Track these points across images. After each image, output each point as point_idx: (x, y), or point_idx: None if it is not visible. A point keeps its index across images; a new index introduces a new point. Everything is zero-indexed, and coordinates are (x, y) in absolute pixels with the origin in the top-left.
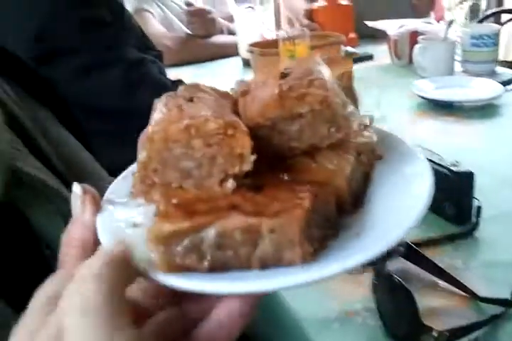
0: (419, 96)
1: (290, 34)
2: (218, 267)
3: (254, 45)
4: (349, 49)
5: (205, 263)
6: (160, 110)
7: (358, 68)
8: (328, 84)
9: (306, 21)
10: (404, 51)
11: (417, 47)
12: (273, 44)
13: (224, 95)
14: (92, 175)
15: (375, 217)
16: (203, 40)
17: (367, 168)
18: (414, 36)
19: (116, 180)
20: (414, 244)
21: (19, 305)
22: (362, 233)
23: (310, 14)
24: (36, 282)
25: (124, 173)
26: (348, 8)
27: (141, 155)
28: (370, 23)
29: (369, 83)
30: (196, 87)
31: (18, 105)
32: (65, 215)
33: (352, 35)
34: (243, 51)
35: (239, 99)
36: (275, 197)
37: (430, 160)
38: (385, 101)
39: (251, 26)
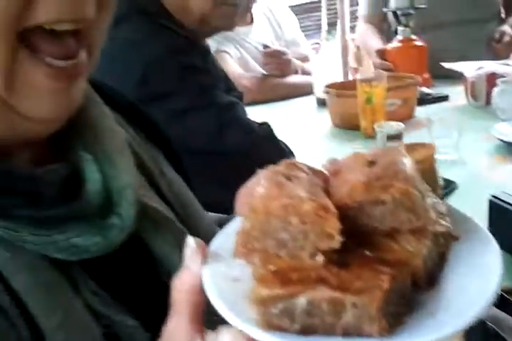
0: (499, 139)
1: (367, 76)
2: (307, 330)
3: (330, 86)
4: (425, 90)
5: (296, 326)
6: (262, 184)
7: (433, 109)
8: (410, 176)
9: (379, 61)
10: (482, 93)
11: (496, 89)
12: (349, 85)
13: (317, 173)
14: (197, 213)
15: (449, 296)
16: (279, 80)
17: (443, 248)
18: (492, 78)
19: (219, 234)
20: (506, 291)
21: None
22: (436, 312)
23: (383, 54)
24: (156, 306)
25: (227, 229)
26: (423, 49)
27: (245, 223)
28: (446, 65)
29: (446, 124)
30: (294, 164)
31: (141, 147)
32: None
33: (426, 75)
34: (318, 91)
35: (330, 178)
36: (359, 275)
37: (507, 203)
38: (462, 143)
39: (326, 67)
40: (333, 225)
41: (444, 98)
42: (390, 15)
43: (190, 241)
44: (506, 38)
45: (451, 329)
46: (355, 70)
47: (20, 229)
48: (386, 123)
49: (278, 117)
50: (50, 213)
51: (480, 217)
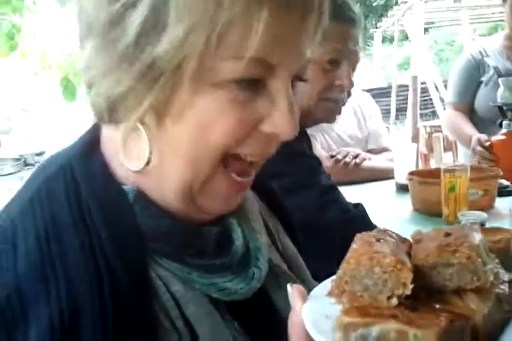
0: None
1: (451, 166)
2: None
3: (413, 173)
4: (504, 182)
5: None
6: (356, 243)
7: None
8: (476, 245)
9: (479, 148)
10: None
11: None
12: (432, 173)
13: (403, 240)
14: (304, 272)
15: None
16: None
17: (508, 314)
18: None
19: (319, 285)
20: None
21: None
22: None
23: (485, 143)
24: None
25: (324, 281)
26: None
27: (339, 271)
28: None
29: None
30: (385, 231)
31: (267, 216)
32: None
33: None
34: (399, 176)
35: (413, 245)
36: (423, 316)
37: None
38: None
39: (408, 156)
40: (408, 276)
41: None
42: (480, 106)
43: (289, 288)
44: None
45: None
46: (425, 156)
47: (192, 272)
48: (469, 212)
49: (359, 199)
50: (210, 263)
51: None
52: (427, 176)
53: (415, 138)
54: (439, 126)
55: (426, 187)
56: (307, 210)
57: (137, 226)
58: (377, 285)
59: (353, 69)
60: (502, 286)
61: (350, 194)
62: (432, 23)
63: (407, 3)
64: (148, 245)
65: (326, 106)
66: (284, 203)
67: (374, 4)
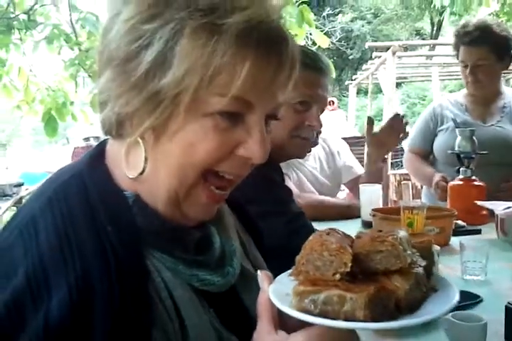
0: None
1: (410, 205)
2: (323, 314)
3: (377, 210)
4: (459, 222)
5: (317, 311)
6: (312, 236)
7: (466, 239)
8: (399, 237)
9: (439, 191)
10: (510, 229)
11: None
12: (393, 211)
13: (347, 236)
14: None
15: (420, 314)
16: (330, 202)
17: (424, 294)
18: None
19: (282, 273)
20: None
21: None
22: (409, 319)
23: (444, 185)
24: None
25: (287, 271)
26: (482, 189)
27: (298, 255)
28: (479, 203)
29: (477, 252)
30: (333, 229)
31: (240, 229)
32: None
33: (484, 212)
34: (365, 214)
35: (355, 239)
36: (358, 286)
37: None
38: (490, 268)
39: (373, 196)
40: (348, 257)
41: (477, 231)
42: (438, 152)
43: (258, 272)
44: None
45: (407, 323)
46: (395, 202)
47: (178, 264)
48: None
49: None
50: (193, 258)
51: (499, 323)
52: (389, 213)
53: (386, 186)
54: (408, 174)
55: (387, 223)
56: (276, 236)
57: (135, 223)
58: (326, 265)
59: (321, 112)
60: (419, 269)
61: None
62: (405, 78)
63: (381, 58)
64: (144, 239)
65: (298, 143)
66: (257, 224)
67: (350, 57)
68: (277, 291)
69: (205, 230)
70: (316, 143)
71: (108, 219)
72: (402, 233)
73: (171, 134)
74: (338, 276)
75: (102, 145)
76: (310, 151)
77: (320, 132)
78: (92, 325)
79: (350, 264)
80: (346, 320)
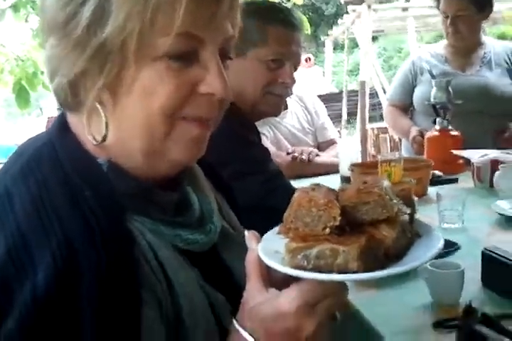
0: (499, 213)
1: (387, 158)
2: (316, 269)
3: (355, 165)
4: (436, 172)
5: (310, 266)
6: (297, 192)
7: (443, 189)
8: (385, 187)
9: (415, 145)
10: (486, 177)
11: (497, 173)
12: (371, 165)
13: (331, 190)
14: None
15: (407, 261)
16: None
17: (409, 240)
18: (495, 163)
19: (269, 231)
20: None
21: None
22: (397, 267)
23: (421, 140)
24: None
25: (274, 228)
26: (458, 139)
27: (286, 213)
28: (455, 152)
29: (454, 201)
30: (318, 184)
31: (213, 189)
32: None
33: (460, 161)
34: (343, 170)
35: (339, 192)
36: (349, 238)
37: (495, 253)
38: (467, 216)
39: (351, 151)
40: (337, 211)
41: (453, 180)
42: (417, 104)
43: (246, 232)
44: (508, 133)
45: (398, 270)
46: (374, 157)
47: (159, 225)
48: None
49: None
50: (173, 219)
51: (476, 270)
52: (367, 167)
53: (364, 140)
54: (386, 128)
55: (365, 177)
56: (253, 195)
57: (112, 188)
58: (314, 221)
59: (295, 69)
60: (404, 216)
61: (300, 186)
62: (382, 31)
63: (356, 12)
64: (123, 203)
65: (271, 100)
66: (228, 184)
67: (325, 13)
68: (266, 249)
69: (181, 190)
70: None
71: (85, 185)
72: (386, 183)
73: (126, 88)
74: (327, 230)
75: (63, 117)
76: (287, 108)
77: (292, 89)
78: (79, 291)
79: (339, 218)
80: (339, 272)
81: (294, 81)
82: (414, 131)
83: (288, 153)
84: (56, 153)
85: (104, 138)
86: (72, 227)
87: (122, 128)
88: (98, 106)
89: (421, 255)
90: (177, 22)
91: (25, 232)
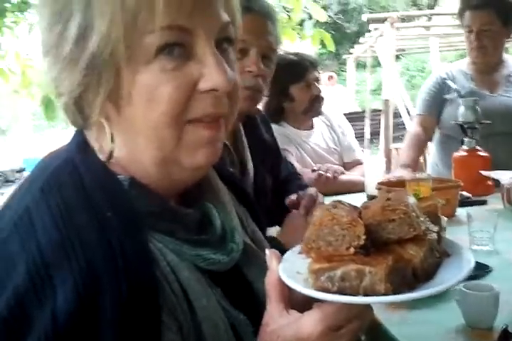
0: None
1: (416, 177)
2: (341, 291)
3: (382, 183)
4: (464, 193)
5: (335, 288)
6: (317, 210)
7: (473, 210)
8: (410, 204)
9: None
10: None
11: None
12: (398, 184)
13: (354, 207)
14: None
15: (437, 283)
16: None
17: (438, 259)
18: None
19: (289, 251)
20: None
21: None
22: (427, 289)
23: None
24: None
25: (293, 248)
26: (487, 159)
27: (307, 232)
28: (485, 173)
29: (485, 222)
30: (340, 202)
31: (235, 203)
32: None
33: (489, 182)
34: (370, 188)
35: (362, 210)
36: (375, 259)
37: None
38: (497, 237)
39: (377, 170)
40: (361, 230)
41: (482, 202)
42: (443, 125)
43: (267, 251)
44: None
45: (429, 292)
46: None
47: (182, 245)
48: None
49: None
50: (196, 238)
51: (510, 292)
52: (394, 186)
53: (388, 160)
54: None
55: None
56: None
57: (134, 206)
58: (338, 240)
59: (265, 56)
60: (432, 235)
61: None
62: (403, 50)
63: (379, 30)
64: (144, 222)
65: (241, 94)
66: (249, 194)
67: (347, 31)
68: (287, 270)
69: (203, 208)
70: (261, 91)
71: (107, 205)
72: (412, 199)
73: (127, 97)
74: (352, 250)
75: (81, 133)
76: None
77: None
78: (100, 316)
79: (363, 237)
80: (366, 294)
81: (260, 69)
82: (398, 173)
83: (313, 170)
84: (78, 171)
85: (111, 153)
86: (94, 251)
87: (131, 141)
88: (103, 120)
89: (452, 276)
90: (158, 17)
91: (46, 257)
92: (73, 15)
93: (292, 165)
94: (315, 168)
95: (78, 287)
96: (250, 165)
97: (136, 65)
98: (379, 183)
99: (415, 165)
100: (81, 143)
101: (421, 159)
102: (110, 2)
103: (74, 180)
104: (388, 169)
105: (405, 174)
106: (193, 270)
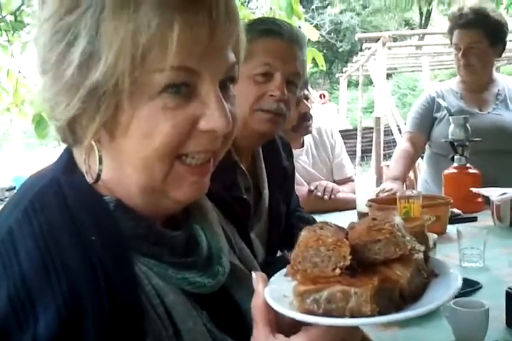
0: None
1: (406, 194)
2: (327, 313)
3: (373, 200)
4: (455, 210)
5: (320, 310)
6: (304, 231)
7: (463, 227)
8: (396, 224)
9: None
10: (506, 215)
11: None
12: (389, 201)
13: (340, 228)
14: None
15: (424, 303)
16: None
17: (426, 280)
18: None
19: (276, 274)
20: None
21: None
22: (414, 309)
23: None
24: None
25: (279, 271)
26: (477, 176)
27: (293, 254)
28: (475, 190)
29: (475, 239)
30: (326, 223)
31: (222, 221)
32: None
33: (479, 200)
34: (360, 206)
35: (349, 231)
36: (361, 280)
37: None
38: (488, 255)
39: (368, 187)
40: (347, 250)
41: (473, 219)
42: (433, 142)
43: (253, 274)
44: None
45: (415, 313)
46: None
47: (167, 268)
48: None
49: None
50: (182, 261)
51: (500, 309)
52: (385, 203)
53: (379, 177)
54: None
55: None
56: None
57: (119, 229)
58: (324, 261)
59: (289, 81)
60: (419, 255)
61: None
62: (395, 68)
63: (371, 49)
64: (130, 245)
65: (261, 117)
66: (237, 211)
67: (340, 50)
68: (274, 293)
69: (190, 230)
70: (284, 116)
71: (91, 228)
72: (398, 219)
73: (123, 128)
74: (338, 271)
75: (70, 151)
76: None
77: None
78: (82, 340)
79: (349, 257)
80: (352, 316)
81: (283, 94)
82: (387, 186)
83: (310, 191)
84: (62, 191)
85: (98, 175)
86: (77, 274)
87: (118, 167)
88: (94, 144)
89: (439, 296)
90: (170, 57)
91: (28, 281)
92: (79, 38)
93: (297, 196)
94: (312, 188)
95: (60, 311)
96: (266, 192)
97: (139, 100)
98: (369, 200)
99: (404, 177)
100: (68, 163)
101: (412, 176)
102: (121, 33)
103: (58, 200)
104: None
105: (395, 186)
106: (178, 293)
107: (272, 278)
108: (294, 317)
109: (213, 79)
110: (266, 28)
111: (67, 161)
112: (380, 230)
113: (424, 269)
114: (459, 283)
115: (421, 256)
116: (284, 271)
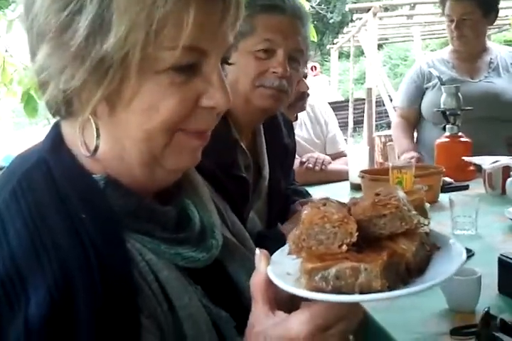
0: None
1: (399, 164)
2: (336, 290)
3: (365, 171)
4: (447, 179)
5: (329, 287)
6: (306, 209)
7: (455, 195)
8: (401, 199)
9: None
10: (498, 183)
11: (509, 179)
12: (381, 172)
13: (342, 204)
14: (248, 240)
15: (430, 277)
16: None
17: (429, 252)
18: (506, 170)
19: (277, 251)
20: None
21: None
22: (420, 283)
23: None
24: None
25: (280, 248)
26: (468, 145)
27: (296, 231)
28: (467, 159)
29: (467, 207)
30: (327, 198)
31: (214, 196)
32: (248, 269)
33: (471, 168)
34: (353, 177)
35: (351, 207)
36: (369, 255)
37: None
38: (480, 223)
39: (361, 158)
40: (353, 227)
41: (464, 187)
42: (424, 111)
43: (257, 251)
44: None
45: (426, 286)
46: (381, 164)
47: (160, 244)
48: None
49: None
50: (174, 236)
51: (492, 276)
52: (377, 174)
53: (371, 148)
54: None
55: (376, 183)
56: None
57: (110, 206)
58: (329, 238)
59: (291, 58)
60: (424, 228)
61: (311, 193)
62: (386, 39)
63: (362, 20)
64: (121, 222)
65: (262, 93)
66: (228, 186)
67: (330, 21)
68: (277, 272)
69: (181, 205)
70: (287, 92)
71: (81, 206)
72: (402, 194)
73: (126, 102)
74: (344, 248)
75: (58, 127)
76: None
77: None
78: (75, 319)
79: (356, 233)
80: (362, 292)
81: (286, 70)
82: (409, 155)
83: (302, 163)
84: (50, 170)
85: (96, 149)
86: (68, 253)
87: (118, 141)
88: (91, 118)
89: (445, 269)
90: (184, 35)
91: (18, 260)
92: (85, 7)
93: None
94: (303, 160)
95: (51, 290)
96: (266, 170)
97: (145, 74)
98: (361, 171)
99: (414, 146)
100: (55, 140)
101: None
102: (136, 4)
103: (46, 179)
104: (372, 157)
105: (414, 154)
106: (172, 269)
107: (274, 256)
108: (302, 295)
109: (217, 58)
110: (268, 3)
111: (55, 139)
112: (385, 205)
113: (427, 242)
114: (464, 255)
115: (426, 229)
116: (284, 248)
